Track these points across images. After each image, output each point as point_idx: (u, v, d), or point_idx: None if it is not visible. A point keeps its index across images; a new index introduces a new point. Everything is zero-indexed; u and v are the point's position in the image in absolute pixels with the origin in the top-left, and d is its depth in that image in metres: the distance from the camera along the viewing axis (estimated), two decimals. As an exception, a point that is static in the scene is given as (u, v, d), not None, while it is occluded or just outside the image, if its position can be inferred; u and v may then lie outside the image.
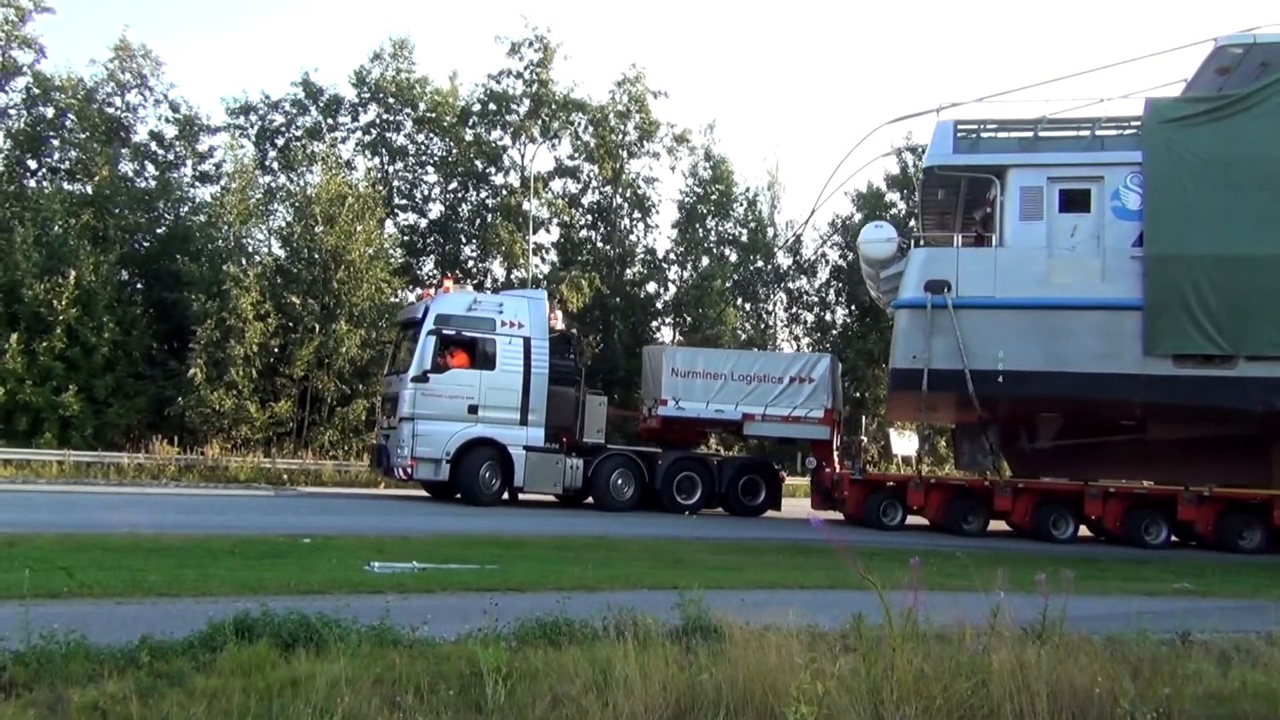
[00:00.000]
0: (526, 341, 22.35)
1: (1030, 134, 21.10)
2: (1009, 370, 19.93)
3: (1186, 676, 6.63)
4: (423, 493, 23.73)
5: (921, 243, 22.76)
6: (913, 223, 30.37)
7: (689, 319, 41.81)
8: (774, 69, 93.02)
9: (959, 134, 21.14)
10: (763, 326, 44.95)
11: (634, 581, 11.31)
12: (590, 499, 23.28)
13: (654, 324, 42.66)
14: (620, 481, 23.06)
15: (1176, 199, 19.70)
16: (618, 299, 41.51)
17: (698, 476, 23.64)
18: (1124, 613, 9.75)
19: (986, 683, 5.83)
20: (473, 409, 21.73)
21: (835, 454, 24.76)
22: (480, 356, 22.04)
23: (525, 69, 40.06)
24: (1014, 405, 21.28)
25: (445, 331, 21.83)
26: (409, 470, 21.48)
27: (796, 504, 26.76)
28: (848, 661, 6.10)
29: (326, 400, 31.58)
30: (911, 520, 22.71)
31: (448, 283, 24.44)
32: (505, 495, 22.36)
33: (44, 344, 28.17)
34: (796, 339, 45.66)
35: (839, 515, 23.55)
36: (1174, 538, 21.26)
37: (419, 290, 24.86)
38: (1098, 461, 22.51)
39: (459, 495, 22.01)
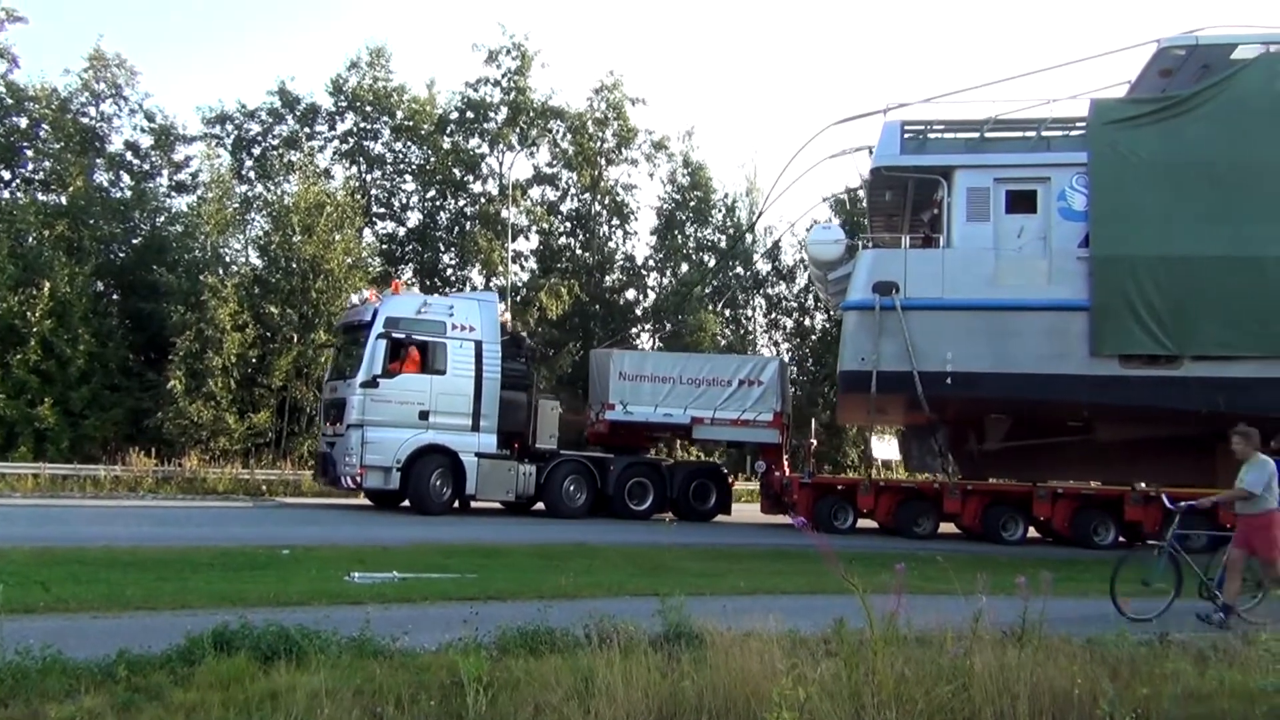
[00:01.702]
0: (478, 345, 21.76)
1: (977, 135, 21.02)
2: (957, 371, 19.85)
3: (1165, 676, 6.67)
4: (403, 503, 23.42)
5: (869, 244, 22.69)
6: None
7: (669, 325, 41.87)
8: (752, 75, 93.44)
9: (906, 135, 21.02)
10: (742, 332, 45.05)
11: (615, 589, 11.28)
12: (541, 505, 22.80)
13: (634, 330, 42.68)
14: (572, 488, 22.65)
15: (1121, 200, 19.76)
16: (597, 306, 41.55)
17: (649, 482, 23.36)
18: (1103, 614, 9.83)
19: (968, 686, 5.86)
20: (423, 415, 21.06)
21: (785, 457, 24.60)
22: (431, 360, 21.37)
23: (503, 77, 40.05)
24: (963, 406, 21.19)
25: (395, 335, 21.10)
26: (358, 479, 20.75)
27: (746, 509, 26.77)
28: (829, 666, 6.11)
29: (305, 410, 31.43)
30: (863, 523, 22.54)
31: (396, 284, 23.77)
32: (456, 503, 21.80)
33: (18, 357, 27.94)
34: (776, 344, 45.81)
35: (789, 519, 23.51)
36: (1122, 538, 21.26)
37: (364, 292, 24.07)
38: (1046, 463, 22.47)
39: (406, 504, 21.43)
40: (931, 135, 21.39)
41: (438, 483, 21.13)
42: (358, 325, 22.08)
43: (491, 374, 21.88)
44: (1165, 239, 19.49)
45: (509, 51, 39.84)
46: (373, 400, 20.77)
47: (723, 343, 41.40)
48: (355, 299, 23.82)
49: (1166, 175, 19.64)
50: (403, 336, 21.18)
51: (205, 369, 28.91)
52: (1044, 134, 20.77)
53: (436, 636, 7.30)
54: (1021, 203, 20.44)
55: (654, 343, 42.22)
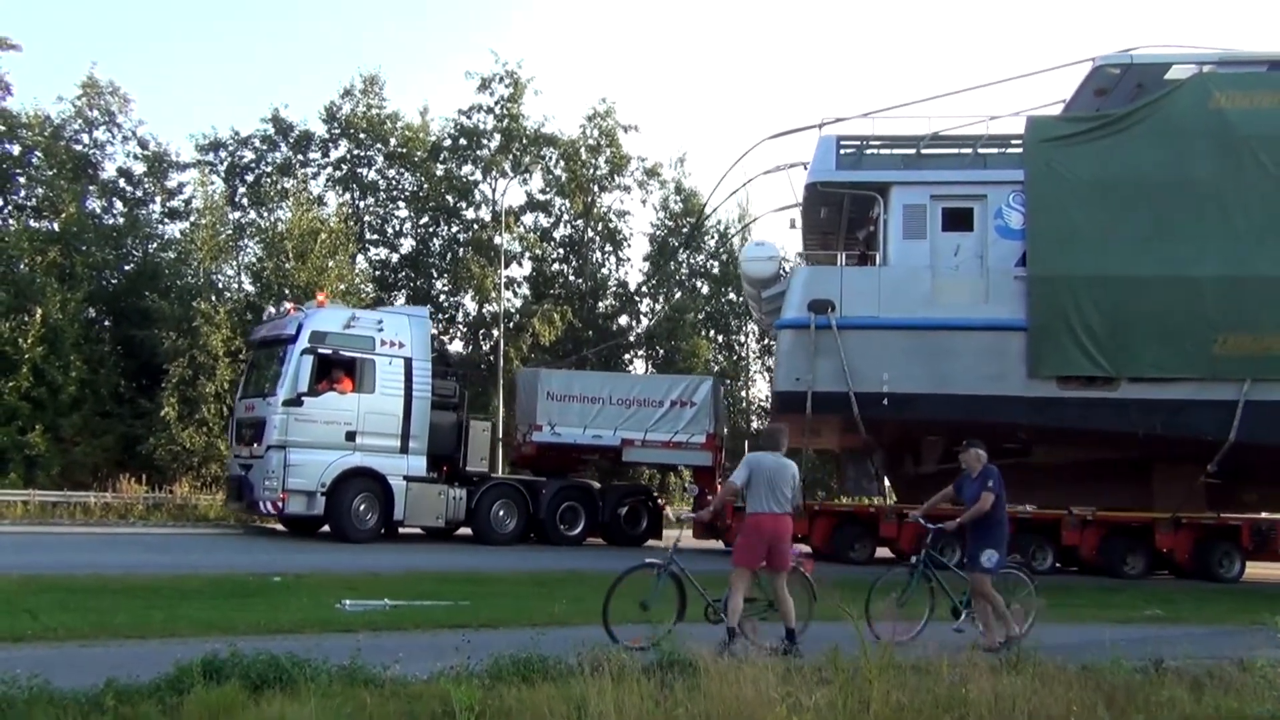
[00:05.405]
0: (408, 362, 20.73)
1: (913, 151, 20.74)
2: (894, 392, 19.49)
3: (1160, 703, 6.64)
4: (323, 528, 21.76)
5: (804, 261, 22.35)
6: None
7: (661, 351, 41.89)
8: (743, 102, 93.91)
9: (842, 150, 20.71)
10: (735, 358, 45.09)
11: (609, 616, 11.20)
12: (469, 530, 21.97)
13: (626, 356, 42.66)
14: (502, 513, 21.74)
15: (1057, 218, 19.56)
16: (590, 332, 41.57)
17: (581, 506, 22.68)
18: (1097, 641, 9.77)
19: (965, 714, 5.83)
20: (350, 436, 19.95)
21: (718, 480, 23.88)
22: (358, 378, 20.24)
23: (496, 104, 40.25)
24: (899, 428, 20.86)
25: (321, 350, 19.94)
26: (279, 504, 19.44)
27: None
28: (824, 694, 6.08)
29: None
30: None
31: (321, 296, 22.90)
32: (383, 530, 20.69)
33: (9, 383, 27.77)
34: (769, 370, 45.79)
35: (721, 544, 23.21)
36: (1058, 564, 20.77)
37: (285, 304, 22.74)
38: None
39: (326, 530, 20.47)
40: (868, 151, 21.09)
41: (361, 507, 20.01)
42: (278, 339, 20.81)
43: (422, 393, 20.93)
44: (1102, 259, 19.30)
45: (502, 79, 40.07)
46: (296, 420, 19.61)
47: (716, 368, 41.43)
48: (273, 310, 22.72)
49: (1102, 194, 19.50)
50: (329, 352, 20.10)
51: (198, 396, 28.80)
52: (981, 151, 20.51)
53: (428, 665, 7.21)
54: (958, 220, 20.20)
55: (647, 368, 42.23)
